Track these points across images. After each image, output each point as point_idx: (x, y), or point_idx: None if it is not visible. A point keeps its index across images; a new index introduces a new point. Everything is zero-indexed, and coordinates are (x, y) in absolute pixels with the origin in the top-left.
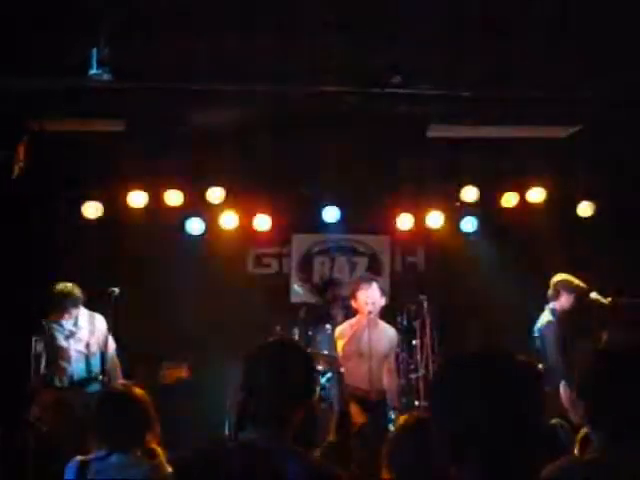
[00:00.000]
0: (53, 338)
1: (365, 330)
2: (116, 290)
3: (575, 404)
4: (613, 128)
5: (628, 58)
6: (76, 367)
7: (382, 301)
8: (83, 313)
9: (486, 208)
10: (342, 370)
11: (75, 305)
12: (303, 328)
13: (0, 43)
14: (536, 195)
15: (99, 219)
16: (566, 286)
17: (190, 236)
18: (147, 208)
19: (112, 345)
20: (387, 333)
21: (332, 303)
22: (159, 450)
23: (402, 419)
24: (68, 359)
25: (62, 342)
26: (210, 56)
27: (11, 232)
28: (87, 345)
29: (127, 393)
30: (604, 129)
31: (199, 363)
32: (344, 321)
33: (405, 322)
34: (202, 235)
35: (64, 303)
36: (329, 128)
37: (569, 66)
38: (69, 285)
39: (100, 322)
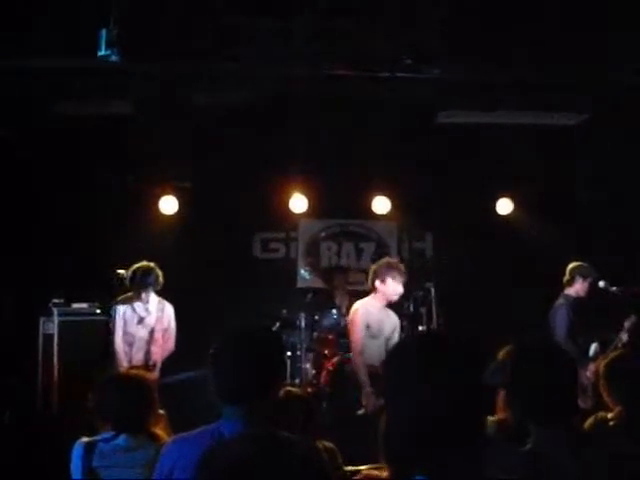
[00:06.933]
0: (121, 321)
1: (379, 311)
2: (124, 273)
3: (584, 390)
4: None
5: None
6: (136, 354)
7: None
8: (154, 298)
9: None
10: None
11: (155, 285)
12: (309, 313)
13: (8, 24)
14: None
15: (107, 200)
16: (581, 272)
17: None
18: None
19: (172, 336)
20: (390, 317)
21: (337, 290)
22: (162, 434)
23: None
24: (131, 344)
25: (131, 327)
26: (220, 37)
27: (16, 210)
28: (152, 332)
29: (133, 375)
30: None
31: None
32: (350, 307)
33: (412, 308)
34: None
35: (145, 282)
36: (335, 113)
37: (582, 52)
38: (151, 264)
39: (169, 310)
